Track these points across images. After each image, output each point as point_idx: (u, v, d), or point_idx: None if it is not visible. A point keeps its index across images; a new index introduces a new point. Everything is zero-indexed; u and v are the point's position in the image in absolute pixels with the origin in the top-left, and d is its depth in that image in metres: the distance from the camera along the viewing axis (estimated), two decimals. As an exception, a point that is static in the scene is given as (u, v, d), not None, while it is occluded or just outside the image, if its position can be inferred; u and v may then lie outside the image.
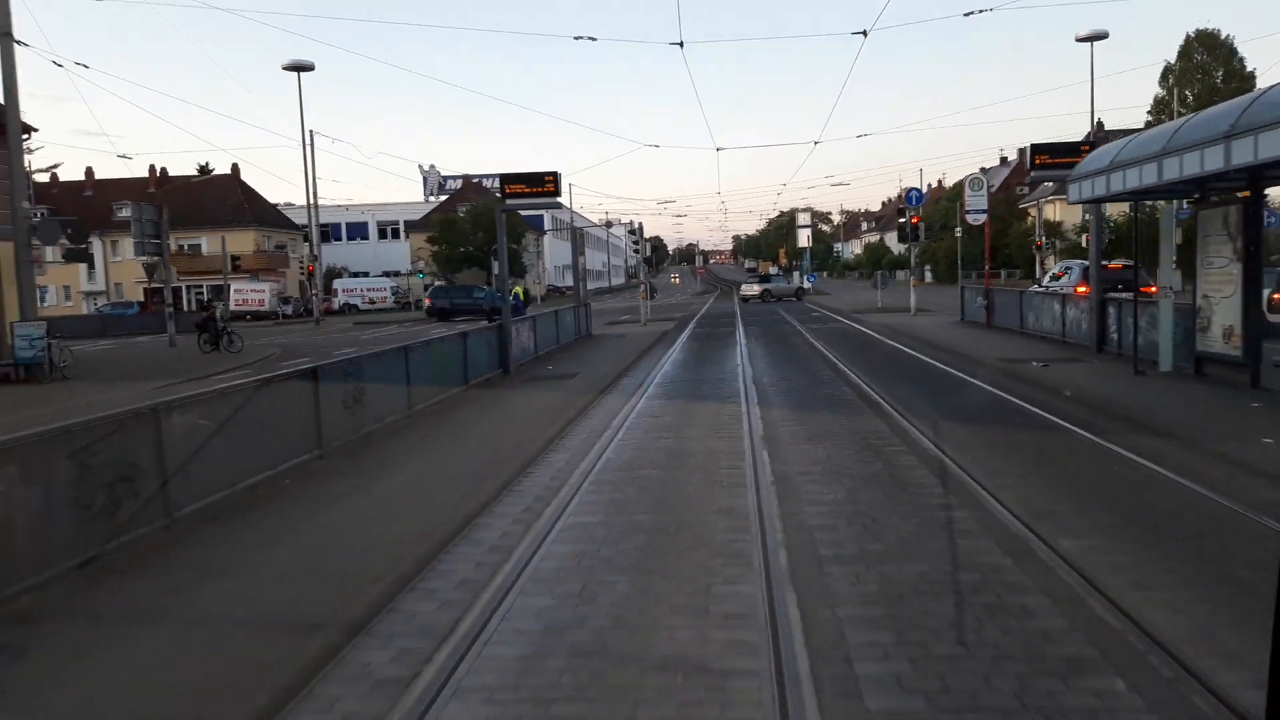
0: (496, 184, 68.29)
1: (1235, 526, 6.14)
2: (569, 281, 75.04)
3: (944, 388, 13.84)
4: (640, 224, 60.67)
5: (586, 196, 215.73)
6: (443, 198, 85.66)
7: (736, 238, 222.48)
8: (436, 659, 4.40)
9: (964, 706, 3.73)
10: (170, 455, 6.76)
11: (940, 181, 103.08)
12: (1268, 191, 11.80)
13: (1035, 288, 24.47)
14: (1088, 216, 24.18)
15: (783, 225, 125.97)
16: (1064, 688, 3.85)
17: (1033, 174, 18.81)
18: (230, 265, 49.50)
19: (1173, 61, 51.37)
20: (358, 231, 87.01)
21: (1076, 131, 75.30)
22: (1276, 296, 14.23)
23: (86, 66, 30.56)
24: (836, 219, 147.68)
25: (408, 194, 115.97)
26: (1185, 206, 16.33)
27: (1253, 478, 7.32)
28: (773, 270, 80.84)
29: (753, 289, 51.66)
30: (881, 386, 13.27)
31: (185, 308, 51.32)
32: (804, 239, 65.91)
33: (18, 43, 19.31)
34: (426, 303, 46.08)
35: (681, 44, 49.34)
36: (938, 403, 12.18)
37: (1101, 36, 38.22)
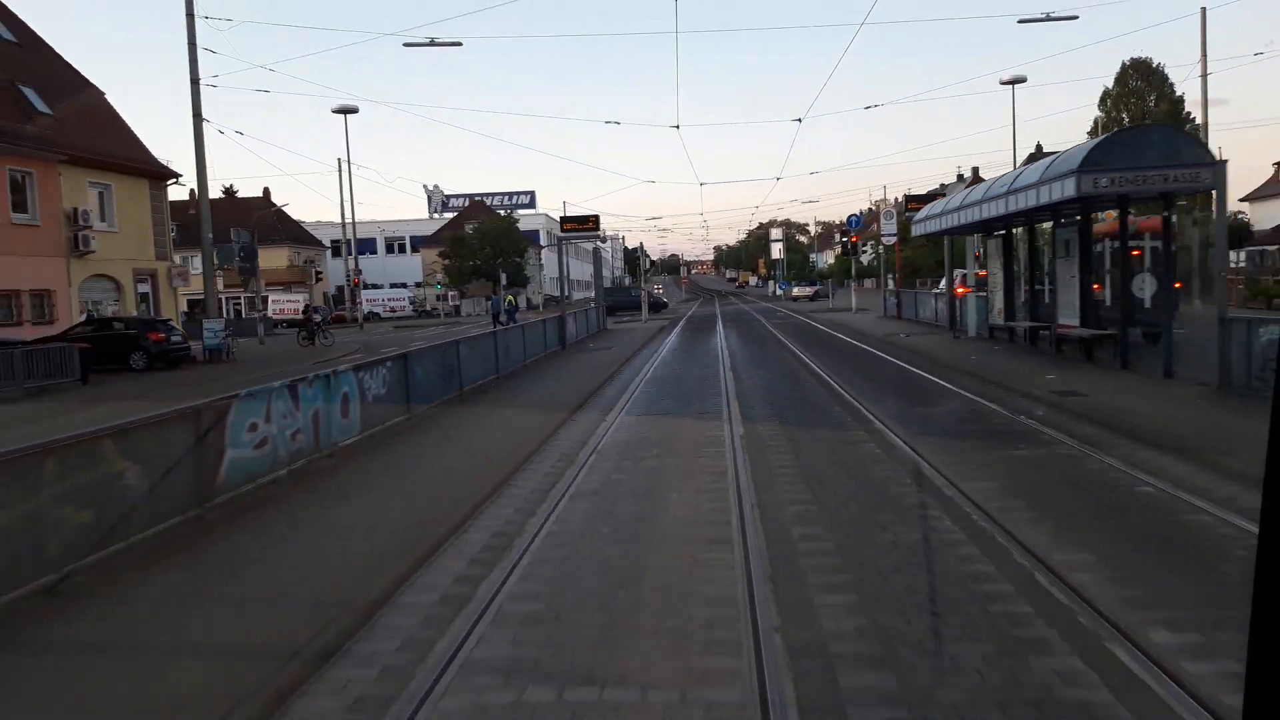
0: (497, 202, 76.88)
1: (993, 414, 14.72)
2: (562, 291, 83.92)
3: (838, 348, 22.50)
4: (640, 243, 69.15)
5: (581, 214, 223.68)
6: (447, 215, 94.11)
7: (718, 248, 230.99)
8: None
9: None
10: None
11: (906, 195, 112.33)
12: (1017, 230, 20.36)
13: (935, 290, 33.32)
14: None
15: (761, 237, 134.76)
16: (869, 472, 12.38)
17: (906, 214, 27.68)
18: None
19: (1110, 87, 56.73)
20: (366, 246, 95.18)
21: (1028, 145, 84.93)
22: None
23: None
24: (813, 230, 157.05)
25: (411, 211, 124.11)
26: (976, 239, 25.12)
27: (1005, 391, 15.90)
28: (752, 280, 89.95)
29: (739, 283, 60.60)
30: (800, 347, 21.93)
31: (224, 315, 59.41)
32: (776, 251, 74.77)
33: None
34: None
35: (679, 126, 57.86)
36: (829, 354, 20.77)
37: (1020, 80, 47.15)
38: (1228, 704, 3.72)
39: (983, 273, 31.56)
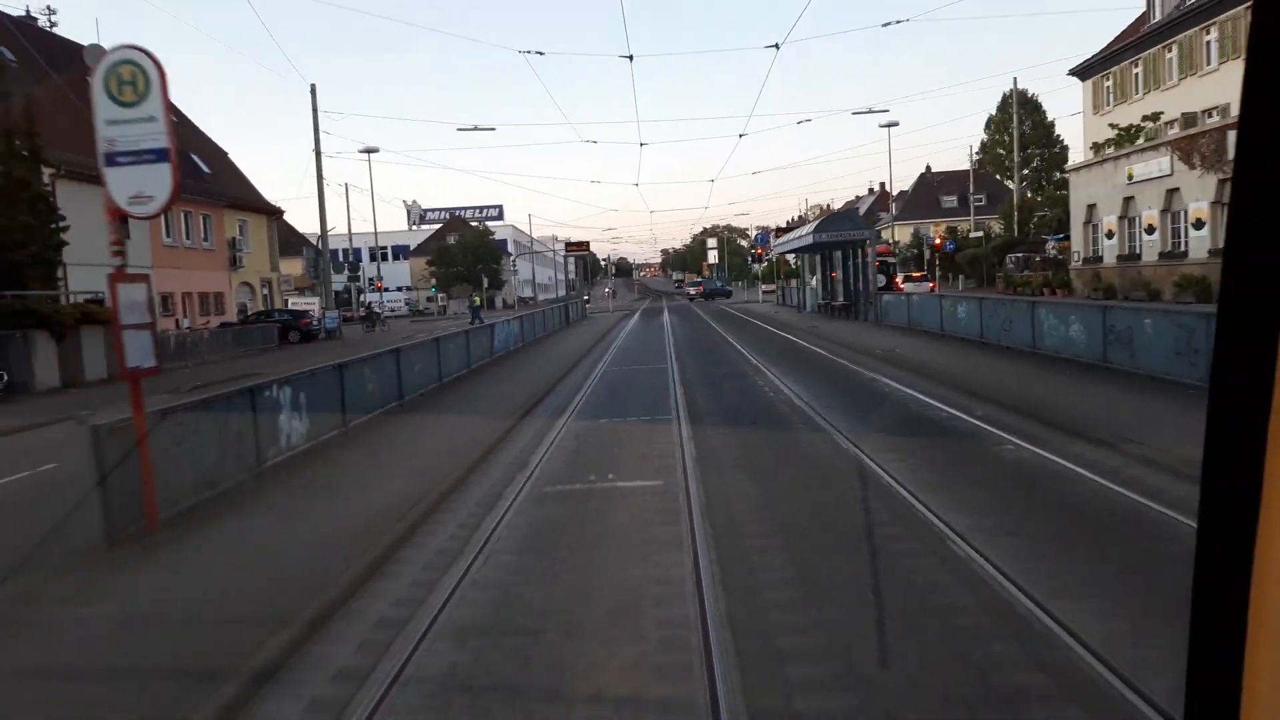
0: (470, 215, 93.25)
1: (835, 364, 30.55)
2: (527, 293, 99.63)
3: (734, 319, 38.09)
4: (615, 257, 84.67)
5: (542, 226, 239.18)
6: (425, 227, 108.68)
7: (665, 251, 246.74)
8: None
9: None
10: (444, 359, 30.27)
11: (829, 205, 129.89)
12: (818, 254, 36.11)
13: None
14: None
15: (703, 242, 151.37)
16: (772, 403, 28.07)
17: (774, 241, 43.61)
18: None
19: (994, 114, 66.07)
20: (355, 255, 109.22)
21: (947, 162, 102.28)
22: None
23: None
24: (753, 234, 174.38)
25: (387, 223, 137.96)
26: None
27: (799, 330, 31.75)
28: (697, 280, 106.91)
29: (689, 291, 77.35)
30: (719, 325, 37.55)
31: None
32: (712, 257, 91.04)
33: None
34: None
35: (643, 144, 73.36)
36: (728, 322, 36.35)
37: (894, 124, 63.48)
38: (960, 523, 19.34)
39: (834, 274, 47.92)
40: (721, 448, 10.76)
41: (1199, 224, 28.67)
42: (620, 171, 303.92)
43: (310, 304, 78.53)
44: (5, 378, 20.22)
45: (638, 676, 4.57)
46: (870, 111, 40.47)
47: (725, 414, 13.59)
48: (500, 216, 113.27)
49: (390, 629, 5.31)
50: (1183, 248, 29.98)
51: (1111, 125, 39.17)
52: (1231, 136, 23.84)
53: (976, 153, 68.04)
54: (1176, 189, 30.06)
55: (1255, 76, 0.86)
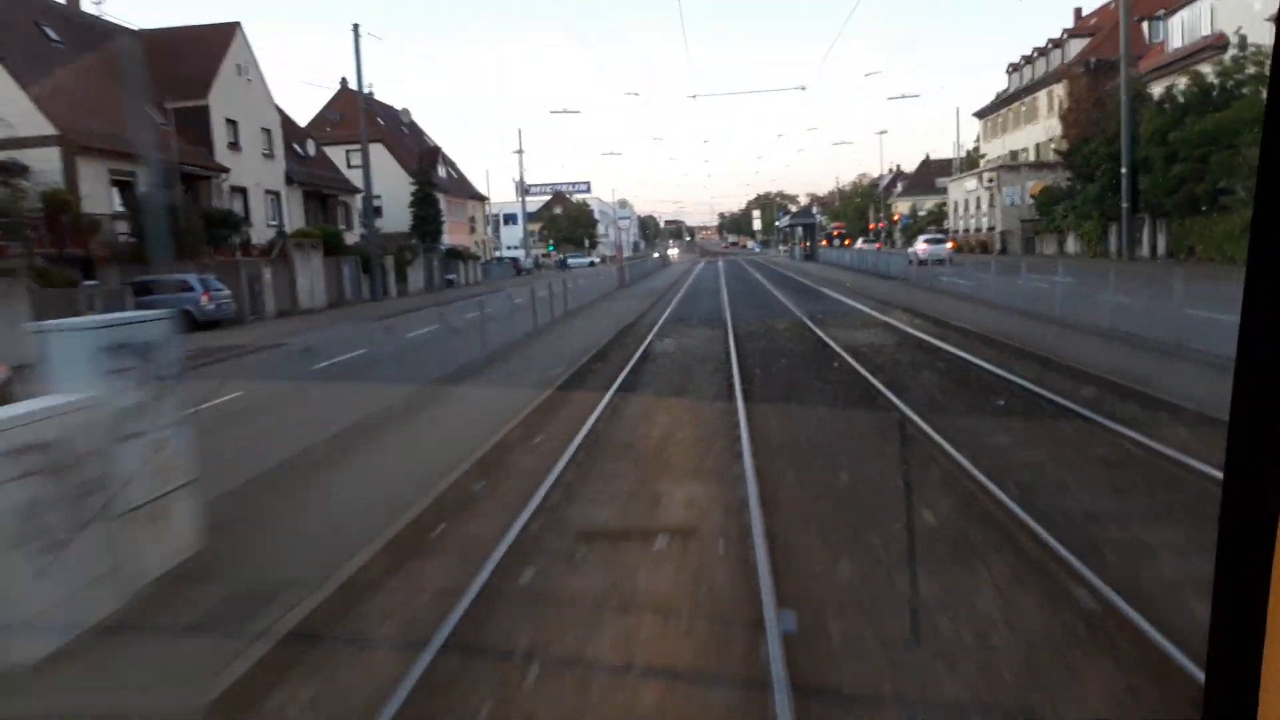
0: (565, 190, 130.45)
1: (783, 273, 63.18)
2: (609, 251, 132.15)
3: (757, 264, 70.31)
4: (685, 223, 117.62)
5: (619, 193, 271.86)
6: (531, 198, 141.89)
7: (721, 215, 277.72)
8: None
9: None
10: (631, 272, 62.93)
11: (863, 177, 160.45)
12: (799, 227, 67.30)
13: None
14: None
15: (750, 211, 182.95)
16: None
17: (787, 218, 75.31)
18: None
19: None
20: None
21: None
22: (824, 242, 71.43)
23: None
24: (803, 200, 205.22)
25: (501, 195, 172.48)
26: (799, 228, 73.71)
27: (788, 267, 64.19)
28: (749, 243, 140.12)
29: (739, 246, 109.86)
30: (744, 262, 69.91)
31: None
32: (757, 224, 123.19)
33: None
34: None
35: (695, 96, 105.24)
36: (753, 264, 68.60)
37: (883, 132, 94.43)
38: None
39: (824, 241, 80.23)
40: (733, 277, 43.50)
41: (982, 215, 60.54)
42: (679, 131, 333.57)
43: (519, 254, 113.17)
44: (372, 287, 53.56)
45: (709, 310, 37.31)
46: (904, 97, 71.48)
47: (736, 278, 46.08)
48: (588, 190, 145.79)
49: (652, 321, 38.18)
50: (980, 226, 61.73)
51: (981, 155, 70.63)
52: (1002, 172, 56.50)
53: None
54: (978, 195, 61.82)
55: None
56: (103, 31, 37.83)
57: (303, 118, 59.09)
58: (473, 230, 79.49)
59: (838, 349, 15.61)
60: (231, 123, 39.06)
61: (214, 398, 12.38)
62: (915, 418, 9.42)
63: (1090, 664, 4.27)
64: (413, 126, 75.98)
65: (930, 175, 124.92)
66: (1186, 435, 8.20)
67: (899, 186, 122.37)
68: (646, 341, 19.46)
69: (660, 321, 24.55)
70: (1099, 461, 7.96)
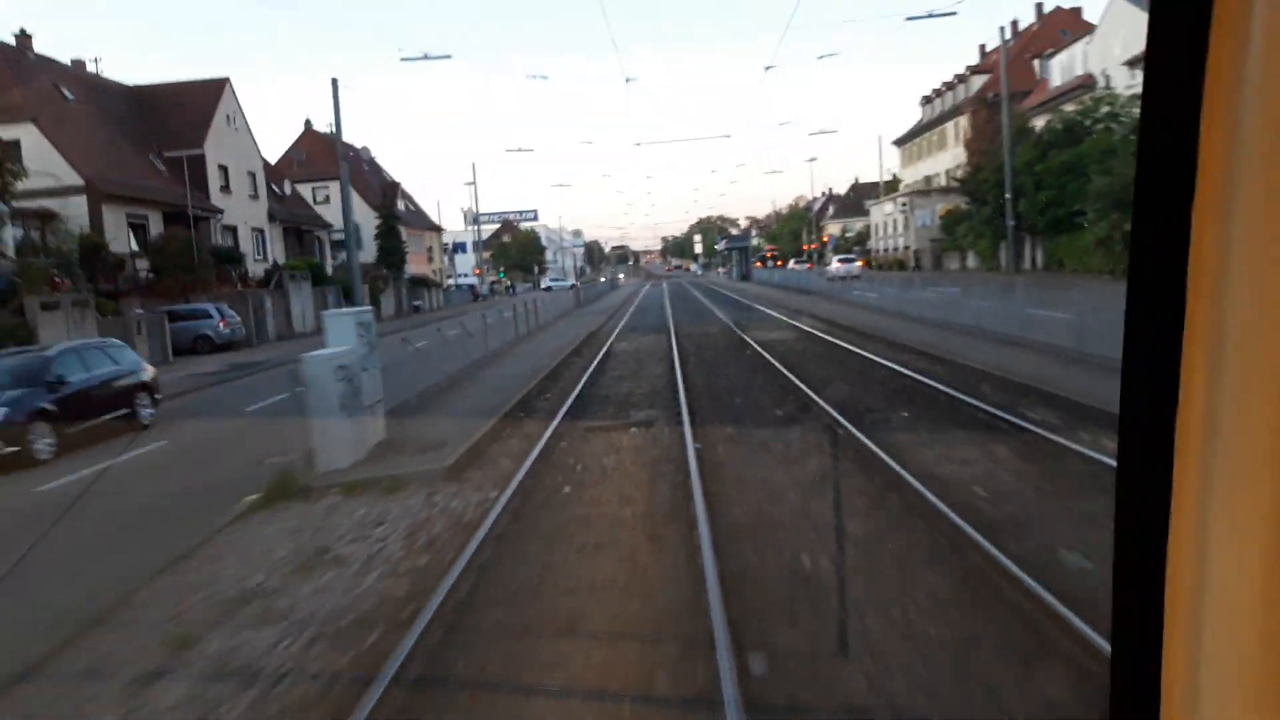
0: (514, 217, 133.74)
1: (719, 291, 69.21)
2: (556, 276, 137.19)
3: (696, 283, 76.20)
4: (619, 245, 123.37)
5: (563, 221, 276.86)
6: (478, 227, 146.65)
7: (664, 239, 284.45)
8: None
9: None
10: (581, 295, 68.40)
11: (796, 201, 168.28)
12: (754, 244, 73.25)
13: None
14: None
15: (691, 236, 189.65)
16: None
17: (724, 242, 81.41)
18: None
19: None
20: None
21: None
22: (758, 264, 77.60)
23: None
24: (744, 223, 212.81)
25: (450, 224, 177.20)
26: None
27: (725, 286, 70.19)
28: (691, 265, 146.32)
29: (682, 269, 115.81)
30: (684, 282, 75.81)
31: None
32: (698, 248, 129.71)
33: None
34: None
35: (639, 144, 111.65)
36: (692, 284, 74.47)
37: (812, 159, 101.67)
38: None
39: (759, 263, 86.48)
40: (675, 296, 49.13)
41: (899, 235, 67.12)
42: (625, 167, 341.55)
43: (473, 281, 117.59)
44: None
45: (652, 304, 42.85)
46: (823, 132, 78.23)
47: (678, 297, 51.71)
48: (535, 218, 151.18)
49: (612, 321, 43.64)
50: (897, 246, 68.32)
51: (898, 179, 77.55)
52: (914, 199, 63.14)
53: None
54: (895, 218, 68.43)
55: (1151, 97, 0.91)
56: (106, 90, 42.42)
57: (270, 156, 63.59)
58: (430, 259, 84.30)
59: (751, 342, 21.15)
60: (223, 168, 43.76)
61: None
62: (787, 373, 14.94)
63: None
64: (372, 163, 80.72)
65: (859, 198, 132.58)
66: (944, 373, 13.84)
67: (831, 209, 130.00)
68: (609, 342, 24.52)
69: (617, 330, 29.52)
70: (878, 383, 13.58)
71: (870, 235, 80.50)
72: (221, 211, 42.26)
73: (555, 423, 11.73)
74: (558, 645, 5.18)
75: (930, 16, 25.43)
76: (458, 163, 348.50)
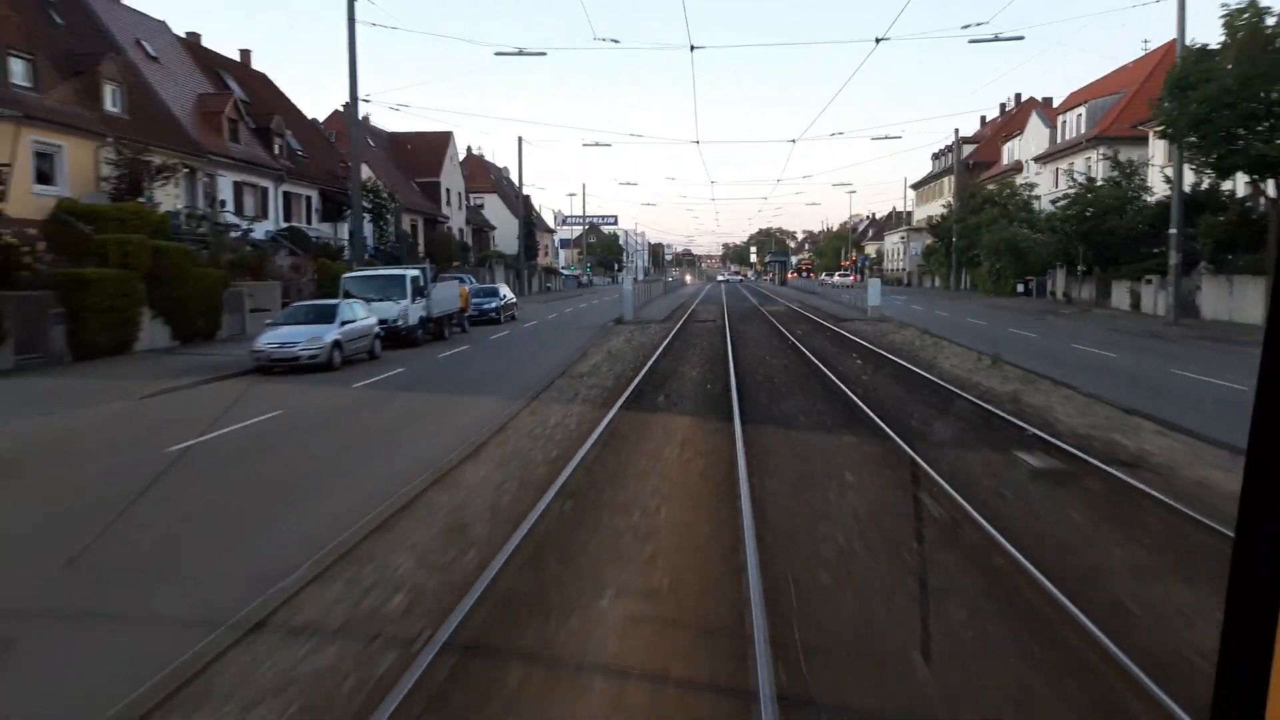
0: (597, 221, 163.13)
1: (766, 294, 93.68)
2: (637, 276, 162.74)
3: (754, 289, 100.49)
4: (683, 249, 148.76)
5: (626, 222, 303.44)
6: (566, 228, 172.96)
7: (726, 246, 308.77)
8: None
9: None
10: (669, 288, 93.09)
11: (844, 223, 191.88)
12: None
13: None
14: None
15: (752, 243, 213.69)
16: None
17: (770, 256, 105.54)
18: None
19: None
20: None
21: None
22: (791, 275, 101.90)
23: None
24: (800, 236, 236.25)
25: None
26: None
27: (770, 292, 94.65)
28: (749, 272, 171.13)
29: (738, 276, 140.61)
30: (749, 291, 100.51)
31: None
32: (753, 257, 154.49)
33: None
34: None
35: (698, 141, 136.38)
36: (747, 288, 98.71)
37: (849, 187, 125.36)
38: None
39: (793, 273, 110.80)
40: (728, 292, 73.96)
41: (900, 260, 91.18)
42: (692, 172, 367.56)
43: (578, 272, 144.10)
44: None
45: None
46: (887, 138, 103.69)
47: (733, 297, 76.38)
48: (616, 222, 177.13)
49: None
50: (898, 267, 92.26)
51: (911, 215, 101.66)
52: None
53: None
54: (898, 247, 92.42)
55: None
56: (378, 135, 68.38)
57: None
58: (545, 254, 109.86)
59: (765, 312, 46.05)
60: (447, 189, 69.57)
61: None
62: (770, 318, 39.92)
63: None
64: (508, 178, 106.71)
65: (895, 224, 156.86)
66: (826, 310, 38.91)
67: (870, 232, 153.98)
68: (694, 304, 49.49)
69: (695, 302, 54.43)
70: (804, 319, 38.64)
71: (883, 258, 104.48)
72: (448, 219, 67.98)
73: (684, 319, 36.66)
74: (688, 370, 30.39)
75: (996, 40, 37.47)
76: (544, 160, 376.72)
